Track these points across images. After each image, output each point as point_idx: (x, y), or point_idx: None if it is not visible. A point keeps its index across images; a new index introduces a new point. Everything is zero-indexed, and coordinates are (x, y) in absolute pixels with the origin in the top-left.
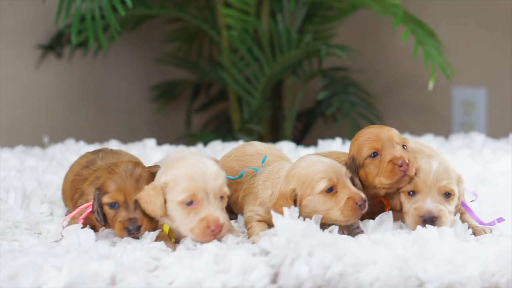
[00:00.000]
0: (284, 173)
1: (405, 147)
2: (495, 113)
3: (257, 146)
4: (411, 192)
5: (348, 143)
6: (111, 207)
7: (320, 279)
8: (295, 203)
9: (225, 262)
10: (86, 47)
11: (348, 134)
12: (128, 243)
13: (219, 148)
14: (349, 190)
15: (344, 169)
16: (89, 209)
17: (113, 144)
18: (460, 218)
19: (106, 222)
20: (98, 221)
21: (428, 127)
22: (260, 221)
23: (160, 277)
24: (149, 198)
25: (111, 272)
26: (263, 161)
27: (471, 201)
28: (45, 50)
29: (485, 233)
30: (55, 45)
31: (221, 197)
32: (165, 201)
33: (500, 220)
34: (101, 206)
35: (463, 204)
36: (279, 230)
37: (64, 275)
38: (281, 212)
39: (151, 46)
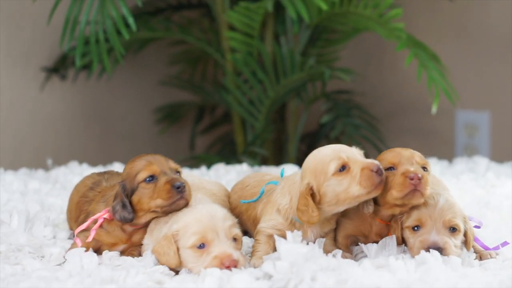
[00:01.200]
0: (299, 176)
1: (425, 169)
2: (498, 136)
3: (273, 173)
4: (415, 227)
5: None
6: (148, 181)
7: None
8: (314, 198)
9: (229, 286)
10: (90, 69)
11: None
12: (131, 266)
13: (222, 171)
14: (361, 162)
15: (354, 148)
16: (100, 220)
17: (117, 167)
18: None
19: (134, 214)
20: (123, 219)
21: (432, 150)
22: (270, 235)
23: None
24: (162, 249)
25: None
26: (282, 174)
27: (475, 226)
28: (50, 72)
29: (491, 257)
30: (59, 67)
31: (235, 239)
32: (178, 250)
33: (505, 244)
34: (128, 196)
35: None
36: (282, 254)
37: None
38: (305, 216)
39: (155, 69)
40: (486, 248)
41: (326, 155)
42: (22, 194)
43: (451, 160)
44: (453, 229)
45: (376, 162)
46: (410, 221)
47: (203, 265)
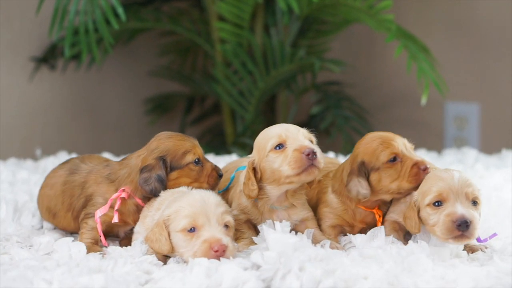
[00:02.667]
0: None
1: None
2: (487, 128)
3: None
4: (436, 203)
5: (341, 157)
6: (196, 163)
7: None
8: (256, 174)
9: (217, 276)
10: (79, 60)
11: (342, 148)
12: (119, 256)
13: (212, 162)
14: (297, 144)
15: (302, 130)
16: (118, 200)
17: (105, 157)
18: None
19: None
20: (153, 191)
21: (421, 141)
22: (247, 220)
23: None
24: (154, 236)
25: (101, 286)
26: None
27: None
28: (39, 62)
29: (482, 251)
30: (48, 57)
31: (227, 226)
32: (169, 235)
33: (493, 236)
34: (168, 171)
35: None
36: (270, 245)
37: None
38: (246, 189)
39: (145, 59)
40: (479, 240)
41: (270, 133)
42: (11, 184)
43: (440, 152)
44: (474, 203)
45: (311, 146)
46: (429, 198)
47: (192, 249)
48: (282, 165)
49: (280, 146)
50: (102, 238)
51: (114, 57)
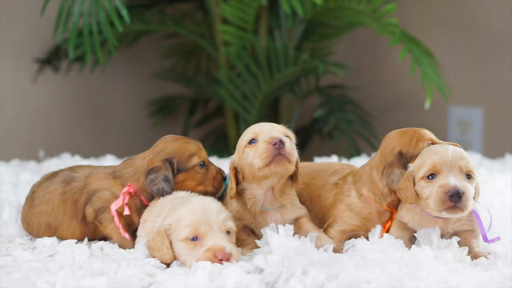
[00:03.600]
0: None
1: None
2: (491, 132)
3: None
4: (430, 176)
5: (344, 160)
6: (201, 166)
7: None
8: (237, 173)
9: (220, 280)
10: (83, 61)
11: (345, 152)
12: (122, 258)
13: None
14: (266, 136)
15: (279, 126)
16: (127, 194)
17: (109, 159)
18: (461, 240)
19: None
20: (161, 191)
21: None
22: (243, 226)
23: None
24: (155, 244)
25: None
26: None
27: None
28: (42, 63)
29: (485, 258)
30: (52, 59)
31: (228, 232)
32: (171, 243)
33: (496, 239)
34: (174, 173)
35: (474, 212)
36: (273, 248)
37: None
38: (229, 190)
39: (148, 61)
40: (486, 239)
41: (247, 131)
42: (14, 186)
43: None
44: (468, 176)
45: (279, 136)
46: (423, 171)
47: (195, 257)
48: (254, 158)
49: (253, 141)
50: (122, 230)
51: (117, 59)
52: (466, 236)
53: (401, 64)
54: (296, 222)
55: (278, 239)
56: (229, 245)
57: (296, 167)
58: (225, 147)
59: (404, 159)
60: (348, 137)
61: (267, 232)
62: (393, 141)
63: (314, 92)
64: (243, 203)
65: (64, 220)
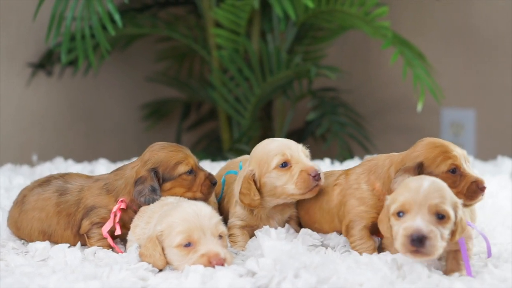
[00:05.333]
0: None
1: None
2: (483, 135)
3: (244, 156)
4: (400, 213)
5: (337, 164)
6: (189, 173)
7: None
8: (256, 184)
9: (212, 283)
10: (76, 66)
11: (338, 154)
12: (115, 262)
13: (208, 168)
14: (302, 164)
15: (300, 146)
16: (118, 211)
17: (102, 163)
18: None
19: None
20: (151, 202)
21: None
22: (242, 226)
23: None
24: (147, 251)
25: None
26: (241, 167)
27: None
28: (35, 68)
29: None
30: (45, 63)
31: (220, 236)
32: (163, 250)
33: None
34: (160, 182)
35: (461, 242)
36: (265, 251)
37: None
38: (247, 199)
39: (141, 65)
40: (469, 274)
41: (273, 148)
42: (7, 190)
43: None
44: (441, 216)
45: (315, 167)
46: (394, 207)
47: (189, 263)
48: (287, 183)
49: (284, 164)
50: (117, 249)
51: (110, 63)
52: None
53: (393, 67)
54: (289, 220)
55: (270, 242)
56: (223, 250)
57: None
58: (218, 151)
59: (421, 172)
60: (341, 140)
61: (259, 235)
62: (421, 150)
63: (306, 95)
64: (249, 208)
65: (57, 230)
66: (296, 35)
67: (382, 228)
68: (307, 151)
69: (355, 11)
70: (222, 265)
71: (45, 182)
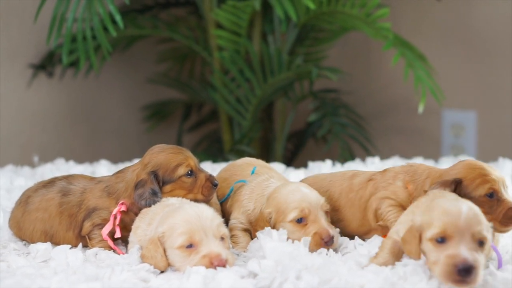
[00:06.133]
0: (268, 194)
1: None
2: (485, 136)
3: (246, 159)
4: (439, 239)
5: (338, 165)
6: (188, 175)
7: None
8: (270, 225)
9: (214, 284)
10: (77, 67)
11: (339, 156)
12: (116, 264)
13: (209, 169)
14: (319, 225)
15: (322, 201)
16: (119, 214)
17: (103, 164)
18: None
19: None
20: (149, 206)
21: (418, 149)
22: (244, 229)
23: None
24: (149, 253)
25: None
26: (253, 172)
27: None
28: (37, 69)
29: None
30: (46, 64)
31: (222, 238)
32: (165, 251)
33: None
34: (160, 185)
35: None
36: (267, 253)
37: None
38: (259, 229)
39: (142, 66)
40: (499, 257)
41: (293, 199)
42: (8, 191)
43: (437, 160)
44: (481, 243)
45: (330, 232)
46: (432, 233)
47: (191, 264)
48: (299, 239)
49: (300, 220)
50: (118, 251)
51: (111, 64)
52: None
53: (394, 69)
54: None
55: (271, 243)
56: (224, 251)
57: None
58: (219, 152)
59: (458, 190)
60: (342, 141)
61: (261, 236)
62: (460, 168)
63: (308, 96)
64: (251, 221)
65: (59, 231)
66: (297, 37)
67: (409, 249)
68: (327, 206)
69: (356, 12)
70: (224, 266)
71: (49, 183)
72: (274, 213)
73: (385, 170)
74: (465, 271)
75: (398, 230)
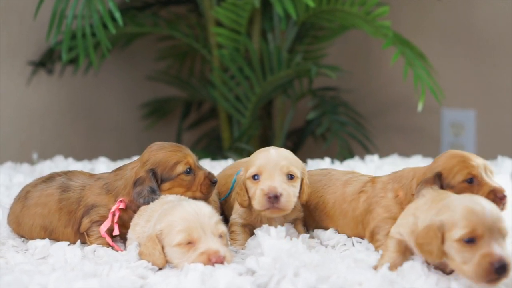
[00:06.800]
0: None
1: None
2: (484, 135)
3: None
4: (468, 239)
5: (337, 163)
6: (187, 173)
7: None
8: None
9: (212, 282)
10: (76, 64)
11: (337, 154)
12: (115, 260)
13: (208, 167)
14: (265, 183)
15: (285, 162)
16: (117, 211)
17: (102, 161)
18: None
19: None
20: (147, 202)
21: (417, 148)
22: (244, 225)
23: None
24: (147, 250)
25: None
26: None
27: None
28: (36, 66)
29: None
30: (46, 61)
31: (220, 236)
32: (163, 249)
33: None
34: (158, 183)
35: None
36: (265, 250)
37: None
38: (239, 199)
39: (142, 64)
40: None
41: (256, 158)
42: (7, 188)
43: None
44: (504, 237)
45: (276, 190)
46: (461, 233)
47: (189, 261)
48: (253, 196)
49: (256, 176)
50: (117, 248)
51: (111, 61)
52: None
53: (394, 67)
54: (293, 221)
55: (270, 241)
56: (223, 248)
57: (302, 185)
58: (218, 150)
59: (440, 183)
60: (341, 139)
61: (259, 234)
62: (441, 160)
63: (307, 94)
64: (250, 209)
65: (58, 227)
66: (297, 34)
67: (428, 250)
68: (291, 168)
69: (356, 10)
70: (222, 263)
71: (49, 179)
72: (244, 172)
73: (374, 181)
74: (501, 269)
75: (400, 232)
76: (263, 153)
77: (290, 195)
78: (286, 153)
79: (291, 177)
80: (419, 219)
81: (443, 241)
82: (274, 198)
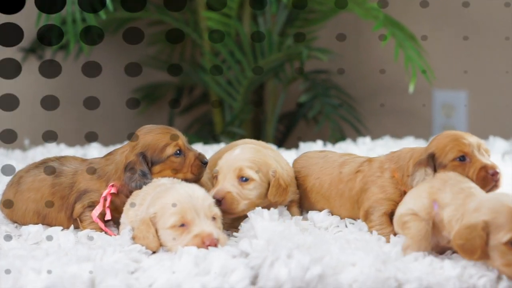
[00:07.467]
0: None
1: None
2: (475, 116)
3: (246, 140)
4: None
5: (329, 146)
6: (177, 155)
7: (299, 281)
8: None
9: (205, 264)
10: (67, 50)
11: (330, 137)
12: (108, 245)
13: (200, 151)
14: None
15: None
16: (109, 196)
17: (94, 147)
18: None
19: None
20: (141, 187)
21: (409, 129)
22: None
23: (139, 279)
24: (141, 233)
25: (90, 275)
26: None
27: None
28: (27, 53)
29: None
30: (36, 48)
31: (214, 218)
32: (157, 232)
33: None
34: (149, 166)
35: None
36: (258, 232)
37: (43, 278)
38: None
39: (133, 49)
40: None
41: (220, 154)
42: None
43: (428, 139)
44: None
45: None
46: (509, 235)
47: (183, 244)
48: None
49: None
50: (110, 232)
51: (102, 47)
52: None
53: (385, 49)
54: (290, 203)
55: (263, 223)
56: (216, 231)
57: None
58: (210, 134)
59: (434, 163)
60: (333, 122)
61: (252, 216)
62: (435, 141)
63: (298, 77)
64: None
65: (51, 212)
66: (288, 17)
67: (472, 249)
68: (245, 171)
69: None
70: (216, 246)
71: (42, 164)
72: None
73: (371, 160)
74: None
75: (414, 211)
76: (226, 153)
77: (234, 198)
78: (248, 155)
79: (244, 179)
80: (445, 208)
81: (486, 241)
82: (217, 202)
